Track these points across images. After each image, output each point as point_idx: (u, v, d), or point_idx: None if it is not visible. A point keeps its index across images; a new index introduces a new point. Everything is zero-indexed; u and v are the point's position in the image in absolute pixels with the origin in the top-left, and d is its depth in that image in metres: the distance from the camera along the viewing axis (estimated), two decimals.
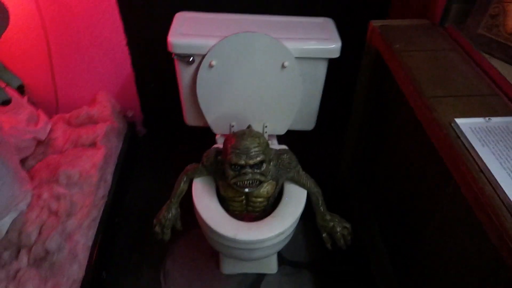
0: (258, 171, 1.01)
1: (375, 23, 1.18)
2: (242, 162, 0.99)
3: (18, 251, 1.13)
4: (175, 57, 1.19)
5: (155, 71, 1.60)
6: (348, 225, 1.14)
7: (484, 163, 0.71)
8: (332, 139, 1.68)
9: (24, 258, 1.11)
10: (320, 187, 1.15)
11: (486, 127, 0.80)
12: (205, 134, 1.42)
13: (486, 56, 0.99)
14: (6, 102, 1.00)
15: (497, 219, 0.63)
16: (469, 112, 0.84)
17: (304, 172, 1.16)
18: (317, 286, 1.33)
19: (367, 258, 1.30)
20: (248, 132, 1.03)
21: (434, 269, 0.94)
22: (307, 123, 1.36)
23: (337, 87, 1.50)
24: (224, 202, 1.13)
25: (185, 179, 1.16)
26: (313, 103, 1.30)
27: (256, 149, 1.00)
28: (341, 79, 1.46)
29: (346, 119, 1.39)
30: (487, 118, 0.82)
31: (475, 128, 0.79)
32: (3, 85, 1.00)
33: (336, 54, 1.17)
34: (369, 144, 1.38)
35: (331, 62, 1.22)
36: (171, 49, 1.16)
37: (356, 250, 1.38)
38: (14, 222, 1.18)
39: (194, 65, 1.20)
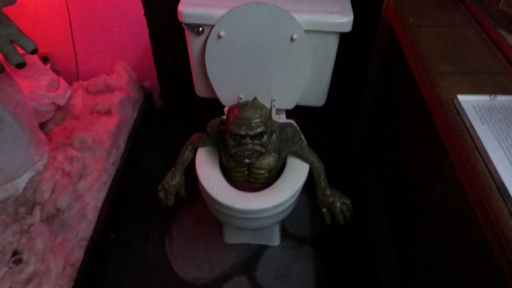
0: (258, 142, 1.02)
1: None
2: (243, 132, 0.99)
3: (33, 208, 1.20)
4: (185, 27, 1.19)
5: (172, 43, 1.61)
6: (348, 201, 1.13)
7: (480, 141, 0.68)
8: (343, 116, 1.65)
9: (37, 214, 1.18)
10: (328, 163, 1.14)
11: (490, 105, 0.77)
12: (220, 106, 1.44)
13: (504, 33, 0.94)
14: (21, 65, 1.04)
15: (484, 196, 0.61)
16: (475, 90, 0.81)
17: (307, 147, 1.15)
18: (318, 261, 1.34)
19: (371, 236, 1.30)
20: (250, 103, 1.03)
21: (432, 247, 0.93)
22: (318, 98, 1.34)
23: (350, 63, 1.46)
24: (227, 172, 1.15)
25: (190, 147, 1.19)
26: (323, 79, 1.28)
27: (257, 120, 1.00)
28: (354, 54, 1.43)
29: (358, 95, 1.36)
30: (492, 96, 0.78)
31: (477, 106, 0.76)
32: (20, 50, 1.04)
33: (347, 28, 1.14)
34: (380, 121, 1.35)
35: (344, 37, 1.19)
36: (181, 18, 1.17)
37: (360, 227, 1.38)
38: (30, 180, 1.24)
39: (204, 36, 1.20)
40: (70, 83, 1.66)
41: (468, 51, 0.93)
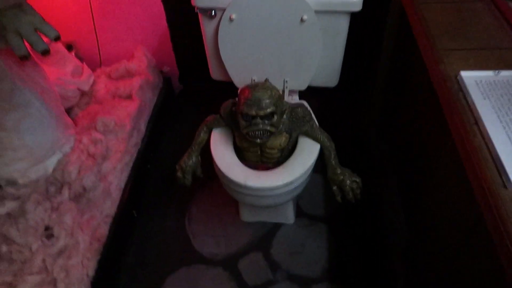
0: (268, 122, 1.05)
1: None
2: (253, 112, 1.03)
3: (61, 187, 1.29)
4: (197, 11, 1.23)
5: (189, 28, 1.65)
6: (358, 179, 1.15)
7: (480, 116, 0.69)
8: (356, 96, 1.65)
9: (65, 193, 1.27)
10: (340, 142, 1.16)
11: (494, 80, 0.77)
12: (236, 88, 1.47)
13: None
14: (46, 52, 1.11)
15: (480, 168, 0.62)
16: (480, 65, 0.81)
17: (318, 127, 1.18)
18: (332, 239, 1.37)
19: (382, 206, 1.31)
20: (261, 84, 1.06)
21: (436, 215, 0.94)
22: (330, 79, 1.36)
23: (362, 43, 1.46)
24: (241, 152, 1.19)
25: (205, 129, 1.24)
26: (335, 59, 1.29)
27: (267, 100, 1.03)
28: (365, 34, 1.42)
29: (371, 76, 1.36)
30: (496, 71, 0.78)
31: (480, 81, 0.76)
32: (45, 38, 1.11)
33: (357, 7, 1.15)
34: (391, 99, 1.35)
35: (355, 16, 1.19)
36: (194, 2, 1.21)
37: (371, 203, 1.40)
38: (59, 162, 1.33)
39: (216, 19, 1.23)
40: (93, 69, 1.73)
41: (476, 26, 0.92)
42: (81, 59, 1.74)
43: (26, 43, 1.10)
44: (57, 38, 1.11)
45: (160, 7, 1.61)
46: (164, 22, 1.66)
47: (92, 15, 1.63)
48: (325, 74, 1.33)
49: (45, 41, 1.11)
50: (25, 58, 1.10)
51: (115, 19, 1.67)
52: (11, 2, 1.03)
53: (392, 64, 1.31)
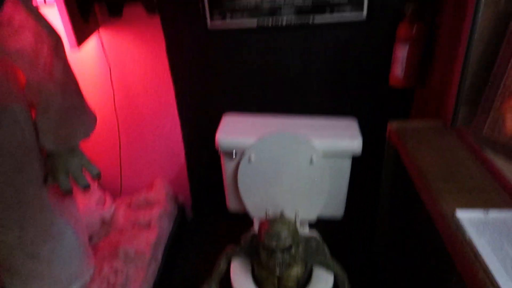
0: (287, 254, 1.15)
1: (393, 124, 1.36)
2: (273, 245, 1.13)
3: None
4: (220, 152, 1.42)
5: (204, 162, 1.85)
6: None
7: (479, 252, 0.81)
8: (361, 227, 1.78)
9: None
10: (350, 271, 1.25)
11: (485, 219, 0.91)
12: (247, 219, 1.59)
13: (491, 155, 1.12)
14: (87, 187, 1.25)
15: None
16: (471, 205, 0.95)
17: (331, 257, 1.27)
18: None
19: None
20: (279, 219, 1.19)
21: None
22: (336, 212, 1.50)
23: (364, 180, 1.64)
24: (259, 282, 1.26)
25: (224, 259, 1.32)
26: (340, 194, 1.46)
27: (286, 234, 1.15)
28: (366, 173, 1.62)
29: (372, 210, 1.51)
30: (485, 211, 0.92)
31: (474, 220, 0.90)
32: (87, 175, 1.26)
33: (357, 153, 1.35)
34: (395, 232, 1.47)
35: (356, 158, 1.39)
36: (218, 145, 1.41)
37: None
38: None
39: (236, 159, 1.42)
40: (113, 198, 1.87)
41: (463, 171, 1.10)
42: (102, 187, 1.89)
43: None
44: (98, 175, 1.27)
45: (180, 143, 1.82)
46: (182, 156, 1.86)
47: (120, 150, 1.83)
48: (332, 207, 1.48)
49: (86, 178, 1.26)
50: (69, 192, 1.24)
51: (139, 153, 1.87)
52: (67, 146, 1.21)
53: (393, 199, 1.46)
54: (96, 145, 1.85)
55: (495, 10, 1.08)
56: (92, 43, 1.56)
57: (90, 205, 1.67)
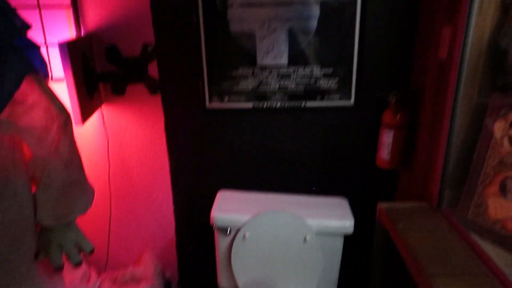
0: None
1: (382, 205, 1.42)
2: None
3: None
4: (215, 228, 1.43)
5: (194, 237, 1.84)
6: None
7: None
8: None
9: None
10: None
11: None
12: None
13: (477, 237, 1.17)
14: (78, 264, 1.23)
15: None
16: None
17: None
18: None
19: None
20: None
21: None
22: None
23: (355, 259, 1.66)
24: None
25: None
26: (332, 273, 1.46)
27: None
28: (358, 252, 1.64)
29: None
30: None
31: None
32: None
33: (349, 232, 1.39)
34: None
35: (348, 237, 1.42)
36: (213, 222, 1.42)
37: None
38: None
39: (230, 236, 1.43)
40: (98, 272, 1.80)
41: (451, 253, 1.14)
42: (86, 261, 1.83)
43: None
44: (91, 252, 1.25)
45: (171, 217, 1.82)
46: (172, 230, 1.84)
47: (110, 223, 1.81)
48: (324, 286, 1.47)
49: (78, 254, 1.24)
50: (60, 269, 1.21)
51: (129, 226, 1.85)
52: (63, 221, 1.20)
53: (383, 279, 1.47)
54: (85, 216, 1.82)
55: (471, 101, 1.20)
56: (93, 117, 1.62)
57: (74, 281, 1.61)
